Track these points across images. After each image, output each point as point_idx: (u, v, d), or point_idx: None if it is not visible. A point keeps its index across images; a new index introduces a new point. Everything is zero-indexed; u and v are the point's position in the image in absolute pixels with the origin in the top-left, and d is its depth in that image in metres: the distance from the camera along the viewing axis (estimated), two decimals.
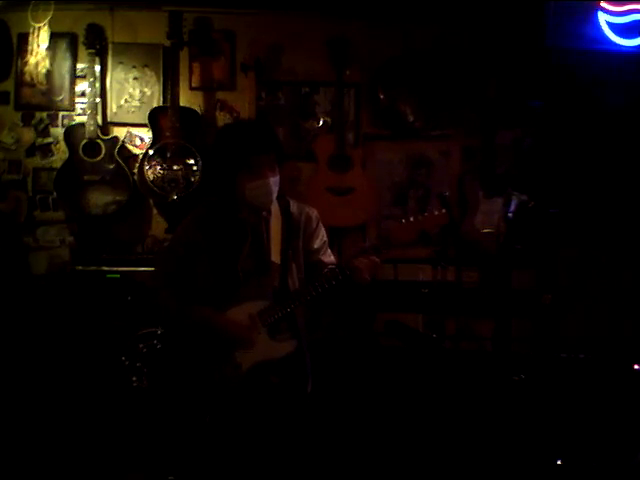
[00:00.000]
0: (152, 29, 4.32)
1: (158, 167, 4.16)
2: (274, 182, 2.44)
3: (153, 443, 3.44)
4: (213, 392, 2.43)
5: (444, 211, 2.39)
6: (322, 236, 2.63)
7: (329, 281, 2.42)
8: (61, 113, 4.36)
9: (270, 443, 2.50)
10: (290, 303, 2.44)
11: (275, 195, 2.48)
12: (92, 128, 4.17)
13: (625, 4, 4.22)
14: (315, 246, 2.59)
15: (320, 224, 2.63)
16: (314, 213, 2.63)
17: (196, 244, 2.48)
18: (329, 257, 2.63)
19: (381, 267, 2.49)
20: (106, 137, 4.24)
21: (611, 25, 4.23)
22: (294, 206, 2.60)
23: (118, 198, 4.20)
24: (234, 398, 2.44)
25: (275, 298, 2.46)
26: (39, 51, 4.18)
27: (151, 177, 4.16)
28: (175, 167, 4.16)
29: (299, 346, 2.51)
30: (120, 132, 4.35)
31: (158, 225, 4.37)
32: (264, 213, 2.52)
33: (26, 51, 4.23)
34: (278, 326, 2.47)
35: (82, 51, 4.29)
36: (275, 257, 2.49)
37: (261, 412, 2.48)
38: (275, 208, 2.54)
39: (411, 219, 2.38)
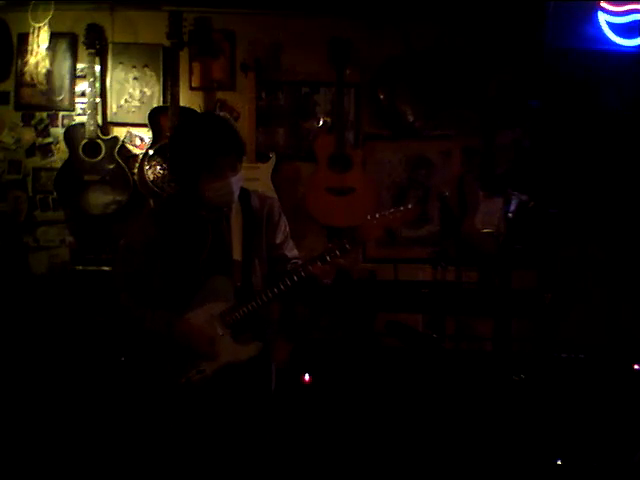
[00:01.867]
0: (152, 29, 4.32)
1: (158, 167, 4.16)
2: (235, 181, 2.37)
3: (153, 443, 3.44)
4: (180, 397, 2.37)
5: (410, 207, 2.40)
6: (284, 228, 2.57)
7: (291, 279, 2.35)
8: (61, 113, 4.36)
9: (240, 445, 2.45)
10: (252, 303, 2.38)
11: (237, 194, 2.42)
12: (92, 128, 4.17)
13: (625, 4, 4.22)
14: (278, 240, 2.53)
15: (282, 215, 2.57)
16: (276, 203, 2.58)
17: (154, 242, 2.41)
18: (292, 251, 2.58)
19: (355, 264, 2.43)
20: (106, 137, 4.24)
21: (611, 25, 4.23)
22: (255, 199, 2.53)
23: (118, 198, 4.19)
24: (201, 402, 2.39)
25: (237, 298, 2.40)
26: (39, 51, 4.18)
27: (151, 177, 4.16)
28: None
29: (263, 348, 2.45)
30: (120, 132, 4.35)
31: None
32: (225, 209, 2.46)
33: (26, 51, 4.23)
34: (241, 327, 2.40)
35: (82, 51, 4.28)
36: (237, 254, 2.43)
37: (228, 413, 2.43)
38: (235, 203, 2.47)
39: (377, 216, 2.37)
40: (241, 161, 2.42)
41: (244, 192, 2.50)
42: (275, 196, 2.48)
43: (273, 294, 2.36)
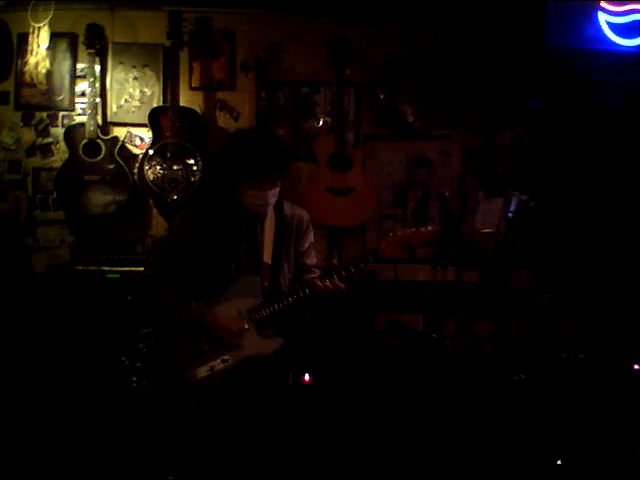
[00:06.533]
0: (152, 29, 4.33)
1: (158, 167, 4.16)
2: (272, 194, 2.55)
3: (153, 443, 3.44)
4: (200, 386, 2.51)
5: (430, 228, 2.53)
6: (310, 238, 2.74)
7: (304, 289, 2.53)
8: (61, 113, 4.37)
9: (257, 436, 2.58)
10: (278, 302, 2.54)
11: (271, 206, 2.60)
12: (92, 128, 4.17)
13: (625, 4, 4.22)
14: (302, 248, 2.71)
15: (310, 227, 2.75)
16: (306, 215, 2.75)
17: (194, 236, 2.57)
18: (312, 259, 2.75)
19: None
20: (106, 137, 4.24)
21: (611, 25, 4.23)
22: (287, 207, 2.71)
23: (118, 198, 4.20)
24: (221, 391, 2.52)
25: (264, 296, 2.55)
26: (39, 51, 4.19)
27: (151, 177, 4.16)
28: (175, 167, 4.16)
29: (285, 343, 2.59)
30: (120, 132, 4.35)
31: (158, 225, 4.37)
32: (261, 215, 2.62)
33: (26, 51, 4.23)
34: (266, 323, 2.56)
35: (82, 51, 4.29)
36: (267, 257, 2.60)
37: (246, 404, 2.57)
38: (269, 210, 2.64)
39: (399, 233, 2.53)
40: (283, 178, 2.59)
41: (279, 201, 2.67)
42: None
43: (298, 297, 2.52)
